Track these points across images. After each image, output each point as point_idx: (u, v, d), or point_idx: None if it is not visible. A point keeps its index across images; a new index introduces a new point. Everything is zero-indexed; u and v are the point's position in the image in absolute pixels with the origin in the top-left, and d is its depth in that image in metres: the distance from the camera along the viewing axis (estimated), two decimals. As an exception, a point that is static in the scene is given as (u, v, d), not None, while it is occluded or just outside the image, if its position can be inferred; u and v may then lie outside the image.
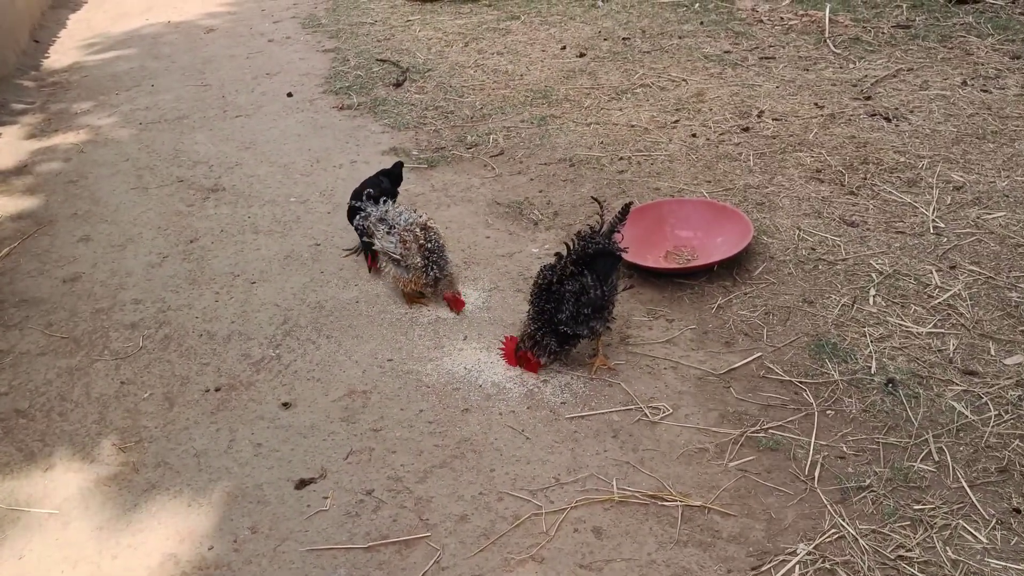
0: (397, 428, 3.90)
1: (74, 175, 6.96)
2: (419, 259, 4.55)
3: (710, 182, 5.80)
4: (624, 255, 4.15)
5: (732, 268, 4.80)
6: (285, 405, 4.10)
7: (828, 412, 3.77)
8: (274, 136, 7.39)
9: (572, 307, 3.94)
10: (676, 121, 6.79)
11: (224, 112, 8.07)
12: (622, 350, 4.29)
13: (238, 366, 4.43)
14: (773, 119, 6.63)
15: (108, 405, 4.21)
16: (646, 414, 3.85)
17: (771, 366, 4.07)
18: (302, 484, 3.59)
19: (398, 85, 8.21)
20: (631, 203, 4.19)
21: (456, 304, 4.64)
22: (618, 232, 4.15)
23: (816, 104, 6.84)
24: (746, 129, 6.51)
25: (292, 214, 6.01)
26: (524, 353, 4.07)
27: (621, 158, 6.25)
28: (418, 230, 4.60)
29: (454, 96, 7.77)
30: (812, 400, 3.84)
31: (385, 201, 4.93)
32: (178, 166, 6.97)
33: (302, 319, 4.77)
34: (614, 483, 3.49)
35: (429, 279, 4.59)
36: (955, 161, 5.69)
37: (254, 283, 5.18)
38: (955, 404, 3.71)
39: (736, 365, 4.10)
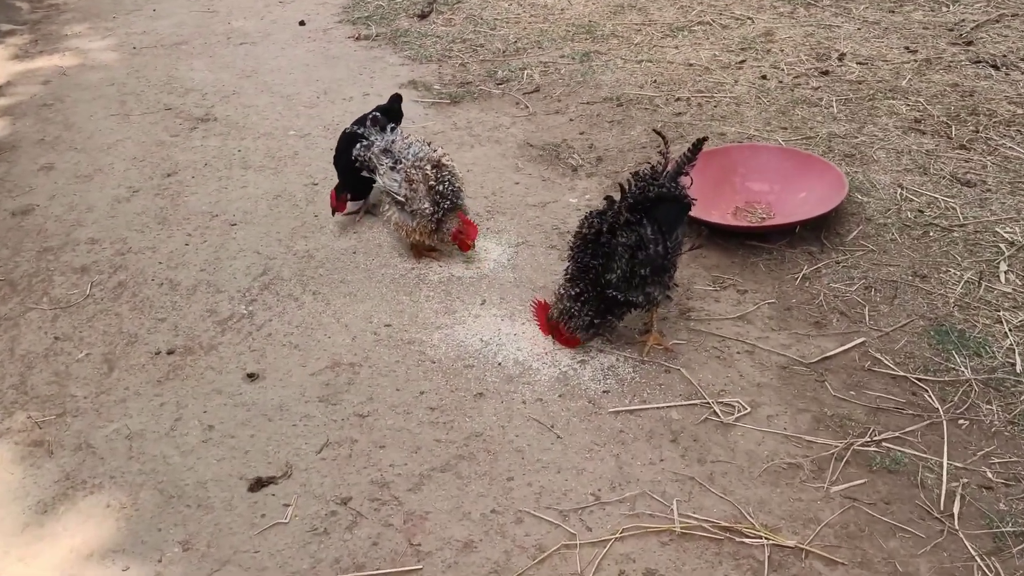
0: (389, 415, 3.02)
1: (50, 98, 6.10)
2: (427, 204, 3.64)
3: (786, 128, 4.82)
4: (693, 204, 3.22)
5: (818, 230, 3.85)
6: (251, 376, 3.23)
7: (961, 422, 2.84)
8: (280, 65, 6.47)
9: (625, 265, 3.02)
10: (742, 61, 5.79)
11: (228, 39, 7.15)
12: (682, 326, 3.37)
13: (200, 324, 3.56)
14: (857, 63, 5.61)
15: (33, 365, 3.36)
16: (716, 413, 2.93)
17: (879, 355, 3.14)
18: (258, 485, 2.72)
19: (423, 16, 7.24)
20: (704, 138, 3.24)
21: (466, 234, 3.71)
22: (686, 174, 3.21)
23: (907, 48, 5.81)
24: (825, 72, 5.50)
25: (289, 149, 5.11)
26: (558, 323, 3.16)
27: (678, 98, 5.28)
28: (428, 168, 3.68)
29: (485, 29, 6.80)
30: (938, 404, 2.91)
31: (393, 129, 4.01)
32: (168, 93, 6.08)
33: (285, 270, 3.89)
34: (674, 506, 2.59)
35: (441, 230, 3.68)
36: (1088, 115, 4.66)
37: (234, 225, 4.30)
38: None
39: (832, 352, 3.17)
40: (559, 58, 6.08)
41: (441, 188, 3.66)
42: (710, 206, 4.06)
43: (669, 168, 3.22)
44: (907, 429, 2.82)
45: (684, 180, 3.23)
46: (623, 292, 3.06)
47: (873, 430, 2.82)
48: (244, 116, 5.62)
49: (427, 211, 3.64)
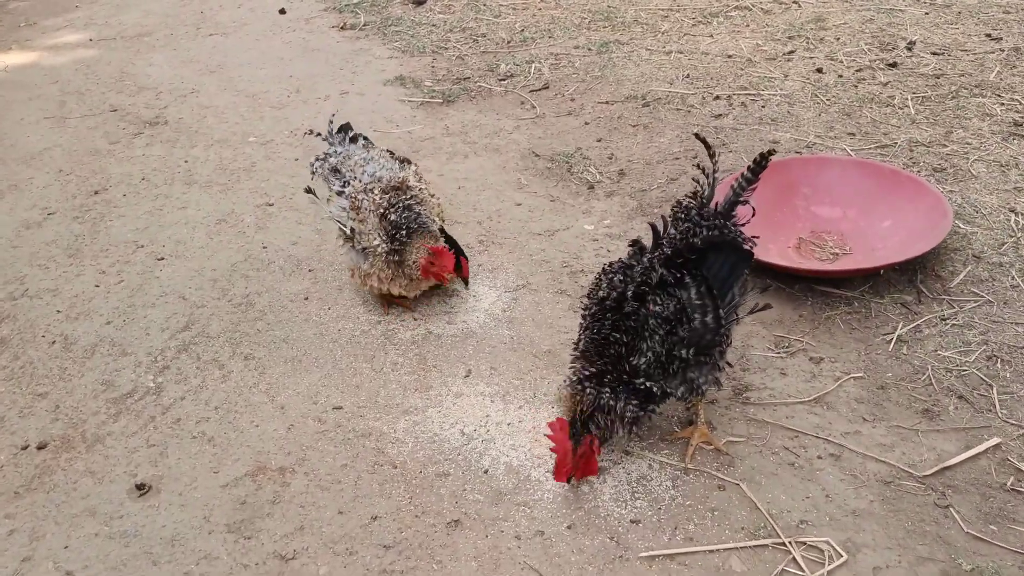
0: (324, 556, 2.11)
1: (-21, 100, 5.23)
2: (378, 239, 2.74)
3: (854, 134, 3.88)
4: (754, 252, 2.31)
5: (910, 271, 2.92)
6: (140, 488, 2.33)
7: None
8: (251, 59, 5.58)
9: (659, 344, 2.10)
10: (791, 52, 4.84)
11: (197, 30, 6.27)
12: (738, 413, 2.45)
13: (90, 403, 2.67)
14: (931, 53, 4.65)
15: None
16: (796, 561, 2.01)
17: (1015, 461, 2.20)
18: None
19: (419, 3, 6.33)
20: (772, 151, 2.32)
21: (439, 264, 2.82)
22: (744, 202, 2.30)
23: (989, 35, 4.83)
24: (893, 65, 4.55)
25: (246, 159, 4.22)
26: (589, 446, 2.21)
27: (717, 97, 4.34)
28: (377, 193, 2.76)
29: (488, 16, 5.88)
30: (1126, 552, 1.97)
31: (362, 139, 3.12)
32: (117, 92, 5.20)
33: (214, 323, 2.99)
34: None
35: (405, 270, 2.78)
36: None
37: (161, 260, 3.41)
38: None
39: (954, 460, 2.24)
40: (573, 49, 5.15)
41: (395, 217, 2.75)
42: (767, 238, 3.13)
43: (718, 194, 2.30)
44: (1088, 596, 1.89)
45: (741, 212, 2.31)
46: (656, 381, 2.15)
47: (1038, 600, 1.89)
48: (199, 119, 4.74)
49: (380, 248, 2.73)
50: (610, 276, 2.22)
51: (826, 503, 2.16)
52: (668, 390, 2.19)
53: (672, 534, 2.10)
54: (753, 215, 2.35)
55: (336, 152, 3.01)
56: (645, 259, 2.20)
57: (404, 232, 2.75)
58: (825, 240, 3.16)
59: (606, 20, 5.57)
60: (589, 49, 5.10)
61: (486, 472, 2.31)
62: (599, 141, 4.08)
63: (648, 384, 2.14)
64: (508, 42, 5.39)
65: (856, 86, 4.35)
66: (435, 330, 2.89)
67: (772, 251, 3.10)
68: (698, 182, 2.32)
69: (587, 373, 2.16)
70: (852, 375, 2.57)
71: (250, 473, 2.36)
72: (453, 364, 2.73)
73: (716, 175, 2.31)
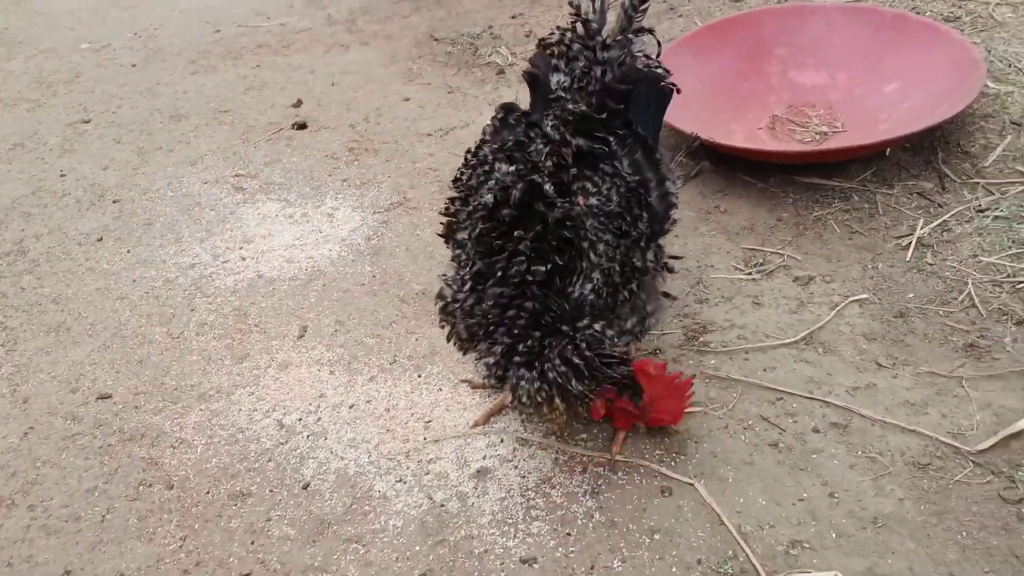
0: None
1: None
2: None
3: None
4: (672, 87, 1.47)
5: (930, 150, 2.10)
6: None
7: None
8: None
9: (606, 256, 1.35)
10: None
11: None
12: (691, 367, 1.64)
13: None
14: None
15: None
16: (788, 621, 1.22)
17: None
18: None
19: None
20: None
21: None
22: (645, 31, 1.47)
23: None
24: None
25: (70, 70, 3.33)
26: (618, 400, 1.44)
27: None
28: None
29: None
30: None
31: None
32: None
33: (-35, 283, 2.14)
34: None
35: None
36: None
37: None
38: None
39: (1020, 426, 1.43)
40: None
41: None
42: (730, 118, 2.30)
43: (608, 23, 1.48)
44: None
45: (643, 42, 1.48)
46: (606, 318, 1.34)
47: None
48: (29, 26, 3.81)
49: None
50: (488, 168, 1.38)
51: (831, 508, 1.36)
52: (618, 330, 1.38)
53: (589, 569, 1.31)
54: (659, 52, 1.50)
55: None
56: (542, 127, 1.36)
57: None
58: (808, 115, 2.32)
59: None
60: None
61: (306, 488, 1.50)
62: (515, 17, 3.20)
63: (599, 327, 1.33)
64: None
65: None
66: (267, 272, 2.05)
67: (738, 134, 2.26)
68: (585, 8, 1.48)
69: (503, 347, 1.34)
70: (855, 297, 1.76)
71: (-46, 509, 1.54)
72: (284, 320, 1.90)
73: None
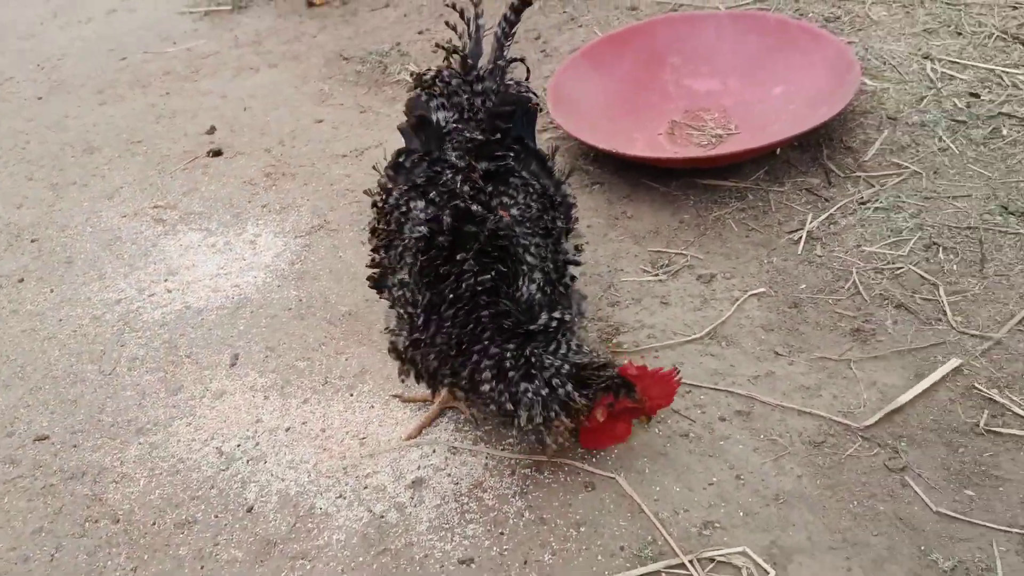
0: None
1: None
2: None
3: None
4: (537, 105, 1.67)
5: (816, 147, 2.26)
6: None
7: None
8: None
9: (539, 256, 1.49)
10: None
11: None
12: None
13: None
14: None
15: None
16: (703, 595, 1.34)
17: (993, 394, 1.58)
18: None
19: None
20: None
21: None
22: (510, 58, 1.68)
23: None
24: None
25: (-31, 106, 3.27)
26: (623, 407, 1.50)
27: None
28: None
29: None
30: None
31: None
32: None
33: None
34: None
35: None
36: None
37: None
38: None
39: (904, 399, 1.60)
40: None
41: None
42: (630, 127, 2.43)
43: (481, 50, 1.64)
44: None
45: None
46: (556, 307, 1.48)
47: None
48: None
49: None
50: (404, 210, 1.47)
51: (738, 489, 1.49)
52: (575, 312, 1.51)
53: (521, 572, 1.41)
54: (528, 78, 1.68)
55: None
56: (447, 159, 1.47)
57: None
58: (704, 120, 2.46)
59: None
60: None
61: (250, 511, 1.57)
62: (421, 33, 3.28)
63: (557, 314, 1.45)
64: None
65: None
66: (194, 303, 2.10)
67: (638, 142, 2.40)
68: (456, 30, 1.64)
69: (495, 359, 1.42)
70: (753, 291, 1.90)
71: None
72: (215, 349, 1.95)
73: (480, 22, 1.66)
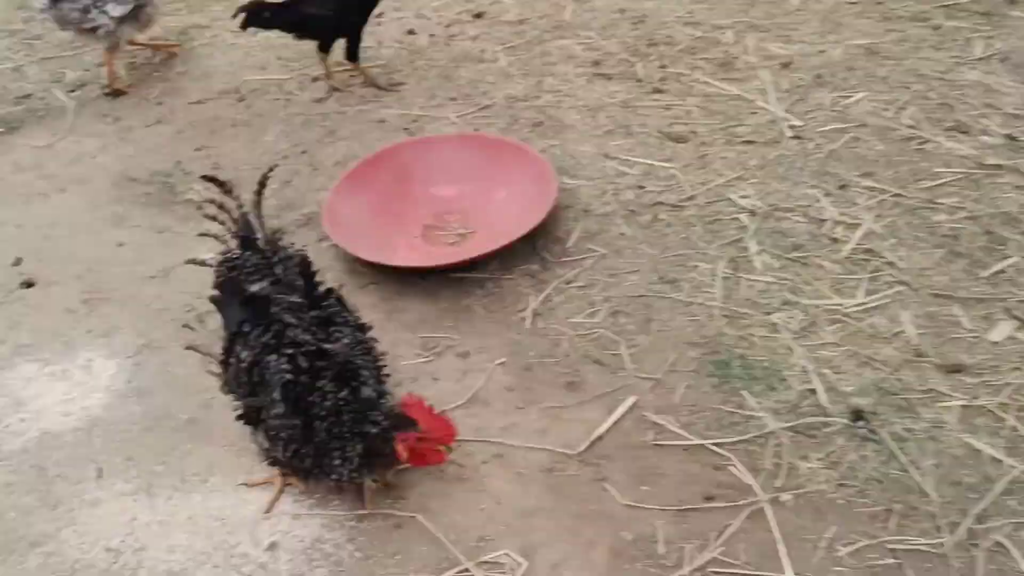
0: None
1: None
2: None
3: (455, 99, 3.89)
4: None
5: (534, 240, 3.02)
6: None
7: (784, 498, 2.18)
8: None
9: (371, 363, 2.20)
10: (380, 14, 4.72)
11: None
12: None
13: None
14: (510, -3, 4.76)
15: None
16: (483, 587, 2.03)
17: (659, 419, 2.39)
18: None
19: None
20: (270, 169, 2.41)
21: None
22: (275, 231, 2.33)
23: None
24: (479, 15, 4.59)
25: None
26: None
27: (315, 79, 4.14)
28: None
29: (35, 12, 5.11)
30: (751, 479, 2.21)
31: None
32: None
33: None
34: None
35: None
36: (763, 28, 4.18)
37: None
38: (972, 440, 2.25)
39: (602, 429, 2.37)
40: (148, 42, 4.65)
41: None
42: (392, 232, 3.09)
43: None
44: (727, 534, 2.10)
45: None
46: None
47: (688, 552, 2.06)
48: None
49: None
50: (261, 366, 2.04)
51: (499, 511, 2.19)
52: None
53: (359, 597, 2.03)
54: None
55: None
56: (284, 320, 2.05)
57: None
58: (449, 222, 3.17)
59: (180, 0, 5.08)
60: (167, 39, 4.63)
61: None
62: (199, 150, 3.75)
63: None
64: (71, 41, 4.73)
65: (448, 44, 4.35)
66: (51, 428, 2.52)
67: (400, 245, 3.06)
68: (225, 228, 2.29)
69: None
70: (498, 361, 2.62)
71: None
72: (81, 465, 2.40)
73: (244, 210, 2.25)
